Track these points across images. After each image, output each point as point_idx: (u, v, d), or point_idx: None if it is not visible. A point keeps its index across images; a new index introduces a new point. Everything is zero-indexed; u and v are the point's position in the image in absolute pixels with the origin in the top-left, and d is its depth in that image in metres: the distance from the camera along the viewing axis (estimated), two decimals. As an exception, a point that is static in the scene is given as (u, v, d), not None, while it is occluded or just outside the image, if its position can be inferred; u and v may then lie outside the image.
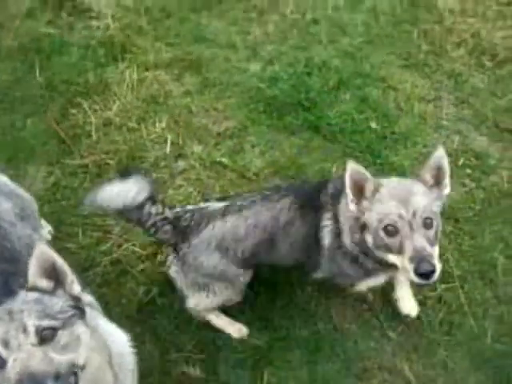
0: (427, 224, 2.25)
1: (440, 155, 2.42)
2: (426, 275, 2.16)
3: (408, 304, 3.12)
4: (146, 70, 4.37)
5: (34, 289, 1.79)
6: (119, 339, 2.18)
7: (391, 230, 2.24)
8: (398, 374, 2.99)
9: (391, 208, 2.27)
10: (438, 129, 4.17)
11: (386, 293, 3.19)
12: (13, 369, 1.55)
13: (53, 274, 1.83)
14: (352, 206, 2.39)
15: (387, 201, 2.31)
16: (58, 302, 1.78)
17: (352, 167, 2.36)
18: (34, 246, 2.15)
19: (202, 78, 4.39)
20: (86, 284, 2.52)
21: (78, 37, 4.59)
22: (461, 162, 3.92)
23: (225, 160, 3.83)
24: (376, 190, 2.36)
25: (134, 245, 3.36)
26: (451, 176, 3.66)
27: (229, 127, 4.06)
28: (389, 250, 2.30)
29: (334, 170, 3.79)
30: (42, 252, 1.81)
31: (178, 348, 3.01)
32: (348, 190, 2.37)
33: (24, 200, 2.70)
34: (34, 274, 1.80)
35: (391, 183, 2.46)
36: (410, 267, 2.18)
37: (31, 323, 1.63)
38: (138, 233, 3.39)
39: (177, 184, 3.70)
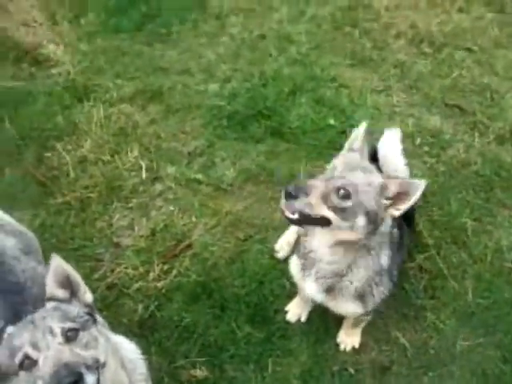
0: (340, 193, 2.23)
1: (417, 185, 2.27)
2: (286, 193, 2.23)
3: (348, 338, 3.20)
4: (111, 105, 4.56)
5: (52, 299, 1.96)
6: (129, 347, 2.36)
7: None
8: (393, 343, 3.19)
9: (337, 161, 2.38)
10: (392, 115, 4.47)
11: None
12: (45, 365, 1.70)
13: (67, 284, 2.00)
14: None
15: (344, 157, 2.43)
16: (75, 309, 1.95)
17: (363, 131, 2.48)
18: (37, 276, 2.33)
19: (165, 105, 4.60)
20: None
21: (41, 85, 4.77)
22: (418, 141, 4.23)
23: (199, 176, 4.02)
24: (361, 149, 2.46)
25: (126, 268, 3.50)
26: (412, 156, 3.99)
27: (197, 146, 4.26)
28: None
29: (302, 168, 4.02)
30: (58, 265, 1.99)
31: (184, 355, 3.12)
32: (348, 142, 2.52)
33: (27, 236, 2.85)
34: (51, 285, 1.97)
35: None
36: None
37: (56, 325, 1.79)
38: (129, 256, 3.56)
39: (157, 205, 3.88)
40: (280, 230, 3.61)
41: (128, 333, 3.14)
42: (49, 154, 4.19)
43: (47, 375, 1.68)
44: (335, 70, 4.89)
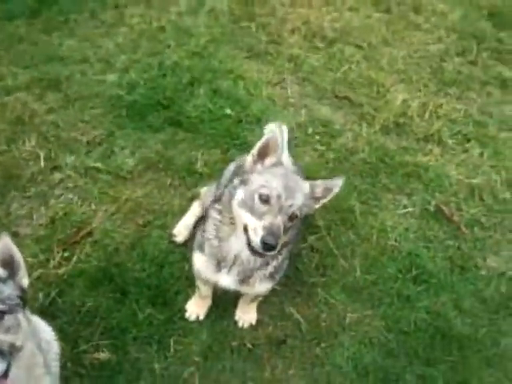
0: (292, 217, 2.46)
1: (338, 184, 2.68)
2: (267, 246, 2.34)
3: (245, 315, 3.37)
4: (7, 94, 4.48)
5: None
6: (45, 328, 2.44)
7: (264, 199, 2.40)
8: (288, 319, 3.40)
9: (277, 186, 2.43)
10: (286, 106, 4.71)
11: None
12: None
13: (8, 265, 2.01)
14: (249, 159, 2.59)
15: (278, 179, 2.48)
16: (8, 290, 1.96)
17: (271, 134, 2.59)
18: None
19: (64, 94, 4.58)
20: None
21: None
22: (310, 130, 4.49)
23: (98, 165, 4.04)
24: (275, 165, 2.56)
25: (25, 256, 3.45)
26: (304, 144, 4.23)
27: (97, 135, 4.28)
28: (252, 211, 2.44)
29: (199, 156, 4.15)
30: (5, 244, 2.00)
31: (87, 339, 3.16)
32: (257, 146, 2.56)
33: None
34: None
35: (289, 170, 2.75)
36: (260, 232, 2.36)
37: None
38: (28, 244, 3.54)
39: (56, 194, 3.86)
40: (178, 215, 3.75)
41: (28, 320, 3.18)
42: None
43: None
44: (232, 62, 5.07)
